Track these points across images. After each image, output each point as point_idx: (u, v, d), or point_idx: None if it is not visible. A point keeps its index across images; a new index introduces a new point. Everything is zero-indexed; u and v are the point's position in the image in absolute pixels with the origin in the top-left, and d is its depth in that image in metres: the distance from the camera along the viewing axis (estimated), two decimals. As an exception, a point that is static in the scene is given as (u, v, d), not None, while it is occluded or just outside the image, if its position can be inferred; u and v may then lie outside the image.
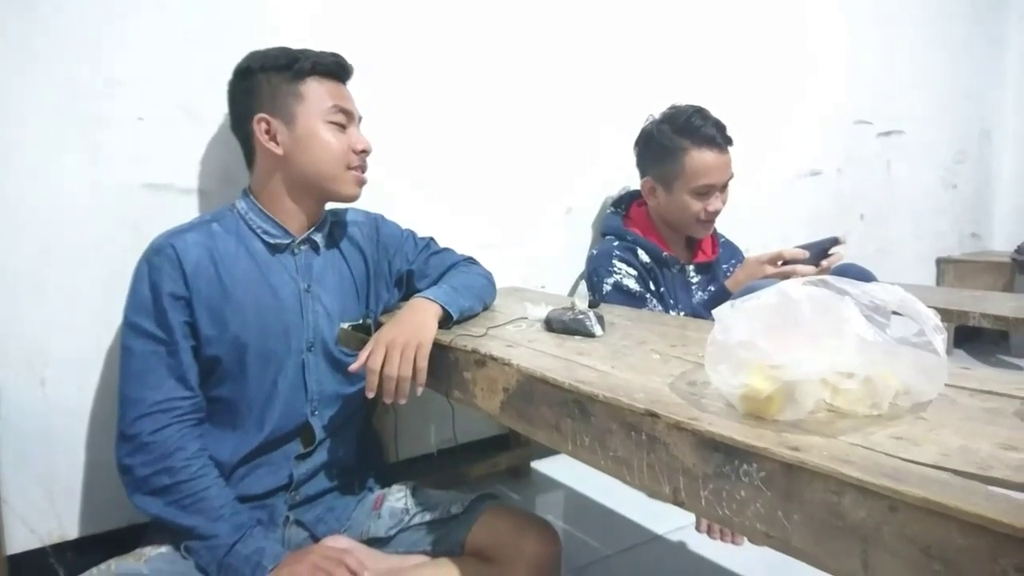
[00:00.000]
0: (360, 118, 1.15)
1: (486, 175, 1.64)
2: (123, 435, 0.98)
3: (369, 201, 1.27)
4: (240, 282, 1.04)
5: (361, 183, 1.13)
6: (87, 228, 1.14)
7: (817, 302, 0.62)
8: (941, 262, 3.03)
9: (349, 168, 1.11)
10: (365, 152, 1.13)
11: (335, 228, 1.19)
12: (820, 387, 0.61)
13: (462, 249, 1.33)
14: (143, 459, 0.96)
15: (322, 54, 1.11)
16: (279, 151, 1.07)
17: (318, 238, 1.14)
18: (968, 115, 3.04)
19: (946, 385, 0.70)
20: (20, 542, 1.13)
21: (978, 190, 3.18)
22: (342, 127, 1.10)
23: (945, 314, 2.07)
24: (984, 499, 0.44)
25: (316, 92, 1.08)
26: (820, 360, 0.60)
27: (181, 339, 1.00)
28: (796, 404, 0.61)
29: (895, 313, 0.69)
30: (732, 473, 0.59)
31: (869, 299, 0.68)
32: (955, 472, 0.50)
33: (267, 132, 1.07)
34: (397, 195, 1.45)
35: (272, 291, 1.07)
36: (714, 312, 0.70)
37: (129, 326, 1.01)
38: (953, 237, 3.08)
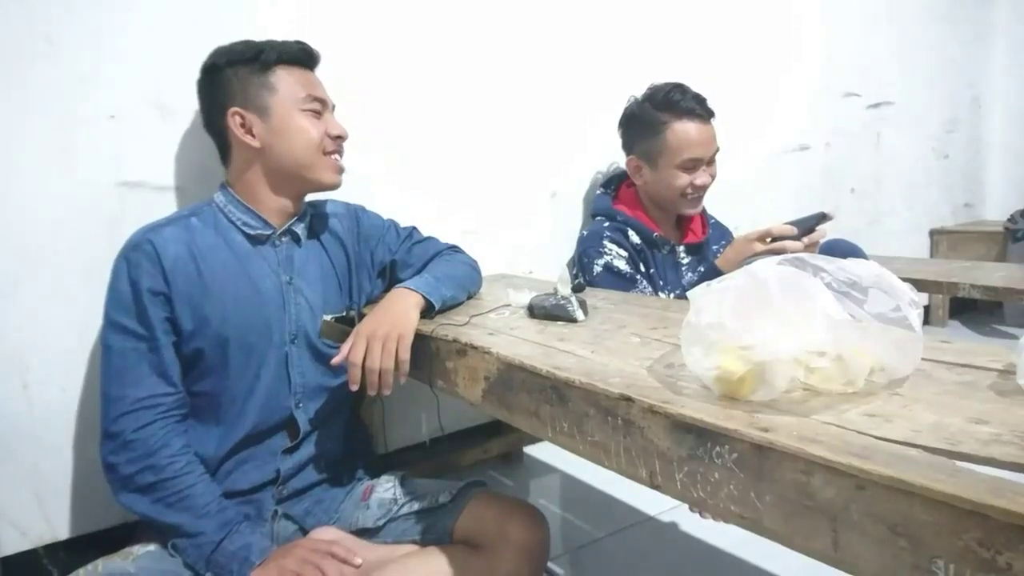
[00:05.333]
0: (334, 106, 1.14)
1: (469, 161, 1.62)
2: (107, 433, 0.97)
3: (350, 191, 1.26)
4: (220, 276, 1.04)
5: (339, 170, 1.13)
6: (63, 228, 1.13)
7: (786, 281, 0.61)
8: (934, 233, 3.02)
9: (325, 153, 1.10)
10: (340, 137, 1.12)
11: (315, 220, 1.18)
12: (792, 366, 0.61)
13: (446, 237, 1.32)
14: (127, 457, 0.96)
15: (286, 43, 1.10)
16: (256, 143, 1.06)
17: (299, 229, 1.13)
18: (957, 83, 3.02)
19: (924, 359, 0.69)
20: (12, 544, 1.13)
21: (970, 159, 3.16)
22: (317, 114, 1.10)
23: (936, 286, 2.07)
24: (948, 475, 0.44)
25: (286, 82, 1.08)
26: (790, 339, 0.60)
27: (162, 335, 0.99)
28: (769, 384, 0.61)
29: (873, 288, 0.69)
30: (705, 455, 0.58)
31: (846, 275, 0.68)
32: (924, 448, 0.50)
33: (242, 126, 1.06)
34: (378, 184, 1.44)
35: (252, 284, 1.06)
36: (688, 294, 0.70)
37: (109, 323, 1.00)
38: (946, 207, 3.07)
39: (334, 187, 1.14)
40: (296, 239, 1.13)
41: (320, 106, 1.10)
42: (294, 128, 1.07)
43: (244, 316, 1.04)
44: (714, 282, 0.68)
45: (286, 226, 1.12)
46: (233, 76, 1.06)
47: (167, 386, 1.00)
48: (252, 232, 1.08)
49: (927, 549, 0.44)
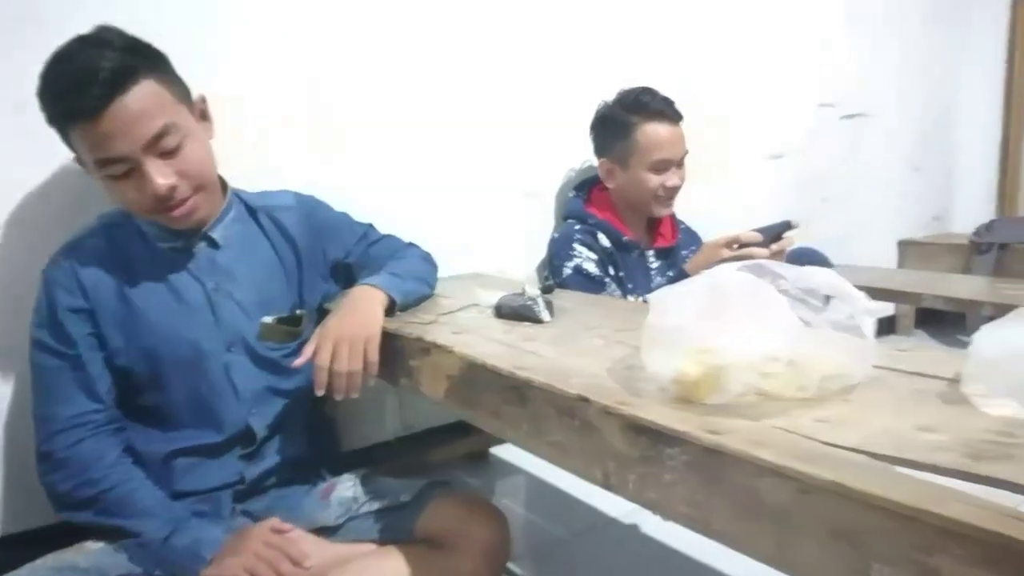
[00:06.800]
0: (169, 125, 0.90)
1: (443, 161, 1.61)
2: (39, 455, 0.96)
3: (324, 194, 1.23)
4: (142, 289, 1.01)
5: (184, 217, 0.97)
6: (28, 207, 1.10)
7: (743, 287, 0.62)
8: (902, 244, 3.08)
9: (154, 212, 0.95)
10: (157, 195, 0.91)
11: (260, 214, 1.12)
12: (747, 371, 0.61)
13: (420, 236, 1.30)
14: (62, 475, 0.94)
15: (70, 92, 0.86)
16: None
17: (216, 234, 1.06)
18: (932, 96, 3.07)
19: (879, 367, 0.71)
20: (-40, 538, 1.10)
21: (941, 172, 3.22)
22: (122, 175, 0.91)
23: (902, 296, 2.12)
24: (888, 481, 0.45)
25: (80, 143, 0.90)
26: (747, 344, 0.60)
27: (86, 351, 0.97)
28: (724, 388, 0.61)
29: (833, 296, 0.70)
30: (657, 457, 0.59)
31: (804, 282, 0.69)
32: (870, 454, 0.51)
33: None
34: (352, 184, 1.42)
35: (175, 295, 1.02)
36: (649, 297, 0.70)
37: (33, 341, 0.98)
38: (916, 220, 3.12)
39: (187, 227, 1.01)
40: (213, 243, 1.06)
41: (121, 168, 0.89)
42: (110, 191, 0.95)
43: (170, 329, 1.00)
44: (676, 285, 0.69)
45: (201, 232, 1.05)
46: None
47: (95, 403, 0.97)
48: (165, 245, 1.03)
49: (867, 553, 0.45)
